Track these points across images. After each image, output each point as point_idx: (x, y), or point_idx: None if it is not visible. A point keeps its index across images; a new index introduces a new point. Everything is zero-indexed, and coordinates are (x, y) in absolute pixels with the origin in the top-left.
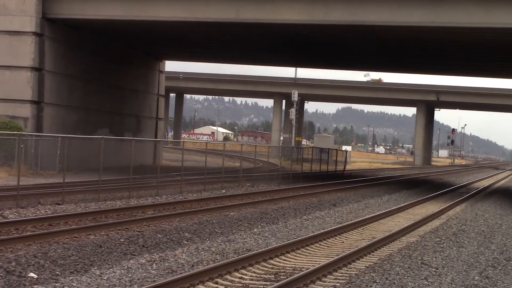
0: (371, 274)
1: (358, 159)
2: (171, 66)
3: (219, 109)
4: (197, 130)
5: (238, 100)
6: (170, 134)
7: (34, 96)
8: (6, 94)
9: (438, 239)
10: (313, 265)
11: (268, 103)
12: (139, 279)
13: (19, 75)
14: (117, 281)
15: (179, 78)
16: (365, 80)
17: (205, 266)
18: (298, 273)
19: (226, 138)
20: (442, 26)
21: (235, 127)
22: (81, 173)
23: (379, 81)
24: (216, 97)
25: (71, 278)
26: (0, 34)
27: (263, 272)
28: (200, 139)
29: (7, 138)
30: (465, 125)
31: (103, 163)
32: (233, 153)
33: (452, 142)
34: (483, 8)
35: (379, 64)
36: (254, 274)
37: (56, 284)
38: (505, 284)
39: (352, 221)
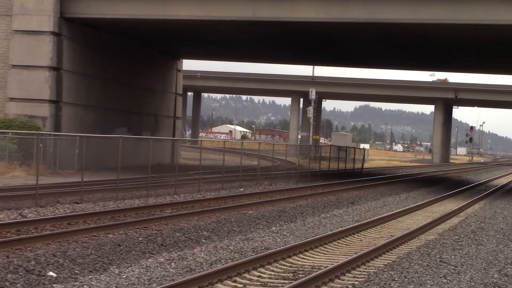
0: (390, 272)
1: (376, 157)
2: (189, 65)
3: (236, 108)
4: (214, 129)
5: (256, 98)
6: (188, 133)
7: (52, 95)
8: (24, 93)
9: (456, 237)
10: (331, 263)
11: (286, 101)
12: (157, 278)
13: (37, 75)
14: (136, 279)
15: (197, 77)
16: (430, 80)
17: (223, 264)
18: (317, 271)
19: (243, 137)
20: (461, 23)
21: (253, 126)
22: (99, 172)
23: (444, 81)
24: (234, 95)
25: (90, 277)
26: (18, 34)
27: (281, 270)
28: (218, 138)
29: (25, 138)
30: (484, 122)
31: (121, 162)
32: (251, 152)
33: (471, 139)
34: (503, 5)
35: (397, 62)
36: (273, 273)
37: (75, 283)
38: None
39: (370, 219)
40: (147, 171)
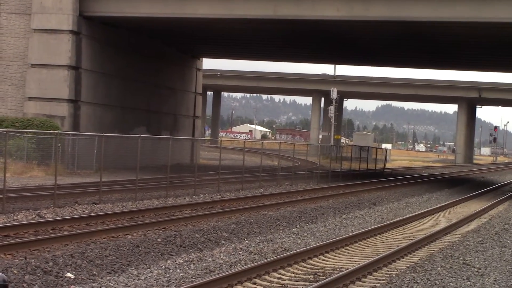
0: (412, 274)
1: (398, 157)
2: (209, 63)
3: (257, 107)
4: (234, 129)
5: (276, 97)
6: (208, 132)
7: (71, 94)
8: (43, 92)
9: (480, 239)
10: (352, 265)
11: (307, 100)
12: (176, 279)
13: (56, 74)
14: (155, 281)
15: (217, 76)
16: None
17: (243, 266)
18: (338, 273)
19: (264, 137)
20: (484, 21)
21: (273, 125)
22: (118, 172)
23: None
24: (254, 95)
25: (108, 278)
26: (37, 33)
27: (302, 272)
28: (238, 138)
29: (44, 137)
30: (508, 122)
31: (140, 162)
32: (271, 152)
33: (495, 139)
34: None
35: (419, 61)
36: (293, 275)
37: (94, 284)
38: None
39: (393, 221)
40: (166, 171)
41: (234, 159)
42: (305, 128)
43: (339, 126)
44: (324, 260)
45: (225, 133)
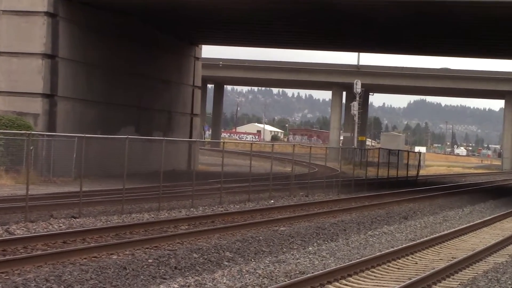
0: None
1: (434, 163)
2: (209, 51)
3: (266, 103)
4: (239, 128)
5: (289, 92)
6: (208, 133)
7: (46, 88)
8: (13, 86)
9: None
10: None
11: (325, 95)
12: None
13: (29, 64)
14: None
15: (219, 66)
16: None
17: None
18: None
19: (274, 138)
20: None
21: (286, 125)
22: (102, 180)
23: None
24: (263, 88)
25: None
26: (6, 15)
27: None
28: (244, 139)
29: (14, 139)
30: None
31: (128, 168)
32: (283, 156)
33: None
34: None
35: (459, 49)
36: None
37: None
38: None
39: (428, 238)
40: (159, 179)
41: (239, 165)
42: (324, 128)
43: (364, 126)
44: (346, 284)
45: (228, 134)
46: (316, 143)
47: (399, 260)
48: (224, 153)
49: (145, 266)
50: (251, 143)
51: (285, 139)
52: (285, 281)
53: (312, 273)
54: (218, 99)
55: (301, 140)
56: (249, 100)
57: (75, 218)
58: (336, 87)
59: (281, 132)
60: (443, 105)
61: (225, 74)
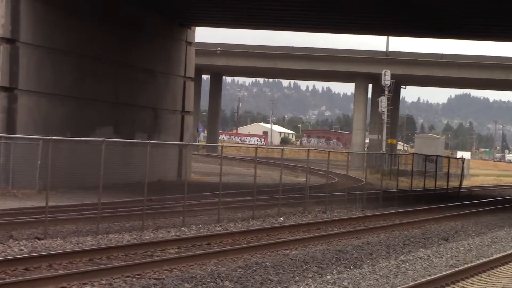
0: None
1: (480, 171)
2: (204, 35)
3: (274, 98)
4: (241, 129)
5: (303, 84)
6: (203, 135)
7: (4, 80)
8: None
9: None
10: None
11: (347, 88)
12: None
13: None
14: None
15: (216, 53)
16: None
17: None
18: None
19: (285, 141)
20: None
21: (298, 125)
22: (72, 193)
23: None
24: (270, 80)
25: None
26: None
27: None
28: (247, 143)
29: None
30: None
31: (104, 178)
32: (296, 163)
33: None
34: None
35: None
36: None
37: None
38: None
39: (473, 264)
40: (142, 191)
41: (241, 174)
42: (345, 128)
43: (395, 126)
44: None
45: (228, 136)
46: (336, 147)
47: None
48: (223, 160)
49: None
50: (256, 148)
51: (298, 143)
52: None
53: None
54: (215, 94)
55: (317, 144)
56: (253, 94)
57: (39, 239)
58: (360, 79)
59: (292, 133)
60: (491, 100)
61: (224, 63)
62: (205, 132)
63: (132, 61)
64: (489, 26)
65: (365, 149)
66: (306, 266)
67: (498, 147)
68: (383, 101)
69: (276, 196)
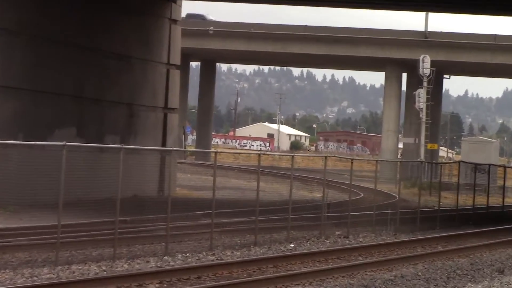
0: None
1: None
2: (193, 10)
3: (282, 91)
4: (240, 131)
5: (319, 74)
6: (191, 138)
7: None
8: None
9: None
10: None
11: (375, 79)
12: None
13: None
14: None
15: (208, 33)
16: None
17: None
18: None
19: (296, 146)
20: None
21: (313, 125)
22: (25, 212)
23: None
24: (277, 68)
25: None
26: None
27: None
28: (248, 148)
29: None
30: None
31: (66, 192)
32: (310, 174)
33: None
34: None
35: None
36: None
37: None
38: None
39: None
40: (114, 210)
41: (240, 188)
42: (372, 130)
43: (436, 127)
44: None
45: (223, 140)
46: (361, 153)
47: None
48: (218, 170)
49: None
50: (259, 155)
51: (312, 148)
52: None
53: None
54: (207, 85)
55: (337, 150)
56: (255, 86)
57: None
58: (391, 66)
59: (305, 136)
60: None
61: (218, 46)
62: (194, 134)
63: (101, 44)
64: None
65: (398, 156)
66: None
67: None
68: (421, 95)
69: (285, 217)
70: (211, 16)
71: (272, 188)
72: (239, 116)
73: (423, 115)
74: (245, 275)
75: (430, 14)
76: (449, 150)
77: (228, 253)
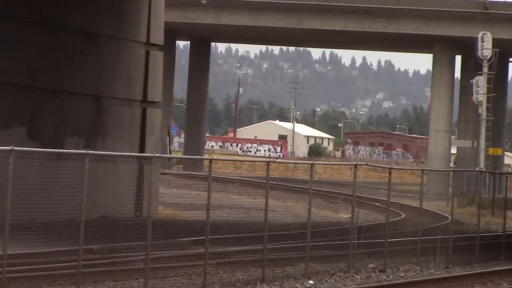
0: None
1: None
2: None
3: (298, 79)
4: (243, 132)
5: (346, 56)
6: (178, 140)
7: None
8: None
9: None
10: None
11: (420, 63)
12: None
13: None
14: None
15: (201, 4)
16: None
17: None
18: None
19: (316, 151)
20: None
21: (339, 124)
22: None
23: None
24: (291, 49)
25: None
26: None
27: None
28: (253, 154)
29: None
30: None
31: (13, 212)
32: (334, 188)
33: None
34: None
35: None
36: None
37: None
38: None
39: None
40: (77, 236)
41: (242, 207)
42: (416, 130)
43: (500, 126)
44: None
45: (220, 143)
46: (402, 161)
47: None
48: (213, 182)
49: None
50: (268, 163)
51: (338, 154)
52: None
53: None
54: (199, 72)
55: (370, 156)
56: (262, 72)
57: None
58: (441, 47)
59: (329, 138)
60: None
61: (213, 20)
62: (182, 136)
63: (59, 18)
64: None
65: (451, 164)
66: None
67: None
68: (481, 83)
69: (302, 244)
70: None
71: (285, 207)
72: (242, 112)
73: (482, 111)
74: None
75: None
76: None
77: None
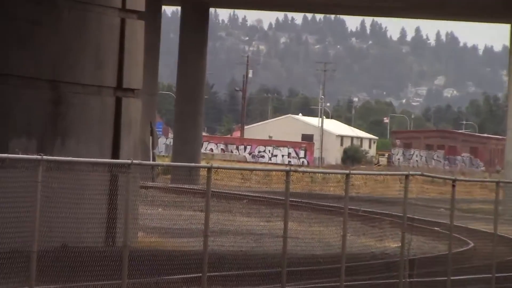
0: None
1: None
2: None
3: (328, 59)
4: (252, 130)
5: (392, 28)
6: (164, 141)
7: None
8: None
9: None
10: None
11: (493, 37)
12: None
13: None
14: None
15: None
16: None
17: None
18: None
19: (353, 155)
20: None
21: (384, 118)
22: None
23: None
24: (318, 17)
25: None
26: None
27: None
28: (266, 160)
29: None
30: None
31: None
32: (377, 207)
33: None
34: None
35: None
36: None
37: None
38: None
39: None
40: (28, 271)
41: (253, 233)
42: (488, 127)
43: None
44: None
45: (223, 145)
46: (470, 169)
47: None
48: (213, 199)
49: None
50: (287, 172)
51: (383, 159)
52: None
53: None
54: (194, 48)
55: (427, 162)
56: (279, 49)
57: None
58: None
59: (370, 139)
60: None
61: None
62: (170, 135)
63: None
64: None
65: None
66: None
67: None
68: None
69: (335, 284)
70: None
71: (311, 233)
72: (251, 103)
73: None
74: None
75: None
76: None
77: None
